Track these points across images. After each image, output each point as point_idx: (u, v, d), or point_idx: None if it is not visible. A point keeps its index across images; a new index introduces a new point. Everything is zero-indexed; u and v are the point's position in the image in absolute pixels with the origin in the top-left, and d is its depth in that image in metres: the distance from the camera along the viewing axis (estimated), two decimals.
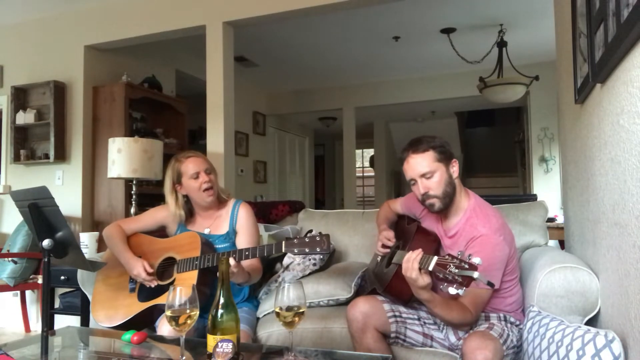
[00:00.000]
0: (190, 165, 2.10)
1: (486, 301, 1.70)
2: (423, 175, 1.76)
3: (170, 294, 1.35)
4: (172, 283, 1.96)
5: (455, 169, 1.80)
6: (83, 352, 1.73)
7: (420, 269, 1.53)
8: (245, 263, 1.93)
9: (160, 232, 2.26)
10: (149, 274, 1.99)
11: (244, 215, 2.16)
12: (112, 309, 2.05)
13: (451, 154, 1.81)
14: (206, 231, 2.16)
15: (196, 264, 1.92)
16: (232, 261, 1.78)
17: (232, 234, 2.15)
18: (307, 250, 1.73)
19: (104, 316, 2.05)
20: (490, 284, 1.47)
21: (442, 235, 1.87)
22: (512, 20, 4.53)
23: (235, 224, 2.15)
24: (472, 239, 1.72)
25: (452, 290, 1.43)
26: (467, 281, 1.41)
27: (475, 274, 1.39)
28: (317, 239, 1.73)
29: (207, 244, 2.05)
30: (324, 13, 3.69)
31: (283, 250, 1.77)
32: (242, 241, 2.12)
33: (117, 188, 4.01)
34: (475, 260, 1.42)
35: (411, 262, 1.54)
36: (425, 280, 1.54)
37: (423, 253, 1.56)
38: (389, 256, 1.94)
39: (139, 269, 1.98)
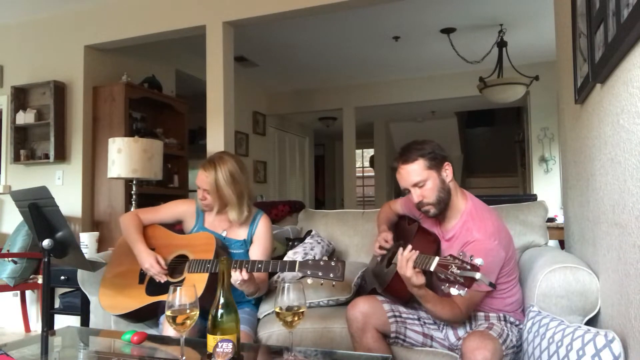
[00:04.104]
0: (198, 176, 2.12)
1: (477, 302, 1.71)
2: (415, 185, 1.76)
3: (171, 294, 1.35)
4: (182, 281, 1.96)
5: (448, 172, 1.78)
6: (83, 352, 1.73)
7: (415, 267, 1.54)
8: (254, 274, 1.93)
9: (177, 225, 2.26)
10: (162, 267, 1.98)
11: (263, 228, 2.15)
12: (118, 297, 2.04)
13: (443, 158, 1.79)
14: (223, 233, 2.16)
15: (207, 267, 1.91)
16: (244, 273, 1.79)
17: (249, 242, 2.15)
18: (320, 274, 1.72)
19: (110, 302, 2.05)
20: (492, 284, 1.47)
21: (440, 237, 1.87)
22: (512, 20, 4.53)
23: (254, 233, 2.15)
24: (465, 244, 1.72)
25: (454, 291, 1.42)
26: (469, 282, 1.40)
27: (478, 275, 1.39)
28: (332, 264, 1.72)
29: (223, 247, 2.05)
30: (324, 13, 3.69)
31: (296, 271, 1.77)
32: (256, 252, 2.11)
33: (117, 188, 4.01)
34: (477, 261, 1.42)
35: (405, 260, 1.56)
36: (420, 279, 1.56)
37: (423, 253, 1.56)
38: (389, 256, 1.94)
39: (152, 261, 1.98)
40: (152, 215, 2.22)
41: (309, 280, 1.73)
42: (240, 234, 2.15)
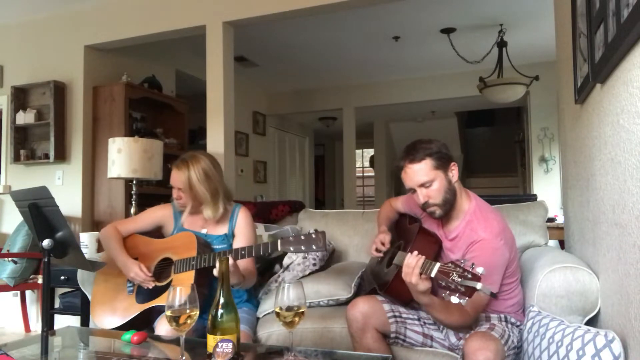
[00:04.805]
0: (171, 175, 2.12)
1: (485, 304, 1.70)
2: (422, 185, 1.73)
3: (170, 294, 1.35)
4: (169, 284, 1.96)
5: (454, 172, 1.76)
6: (83, 352, 1.73)
7: (421, 274, 1.52)
8: (239, 265, 1.93)
9: (157, 232, 2.26)
10: (146, 274, 1.99)
11: (243, 219, 2.16)
12: (110, 311, 2.05)
13: (449, 158, 1.76)
14: (203, 231, 2.16)
15: (193, 264, 1.92)
16: (230, 260, 1.79)
17: (230, 236, 2.15)
18: (303, 248, 1.73)
19: (103, 318, 2.05)
20: (492, 294, 1.46)
21: (443, 237, 1.86)
22: (512, 20, 4.53)
23: (235, 226, 2.16)
24: (472, 243, 1.71)
25: (455, 300, 1.42)
26: (469, 291, 1.40)
27: (479, 285, 1.38)
28: (313, 236, 1.73)
29: (204, 244, 2.06)
30: (324, 13, 3.69)
31: (279, 249, 1.77)
32: (240, 244, 2.12)
33: (117, 188, 4.01)
34: (479, 270, 1.41)
35: (412, 267, 1.53)
36: (425, 285, 1.53)
37: (423, 254, 1.55)
38: (390, 256, 1.94)
39: (136, 270, 1.99)
40: (131, 225, 2.22)
41: (294, 256, 1.72)
42: (221, 229, 2.16)
